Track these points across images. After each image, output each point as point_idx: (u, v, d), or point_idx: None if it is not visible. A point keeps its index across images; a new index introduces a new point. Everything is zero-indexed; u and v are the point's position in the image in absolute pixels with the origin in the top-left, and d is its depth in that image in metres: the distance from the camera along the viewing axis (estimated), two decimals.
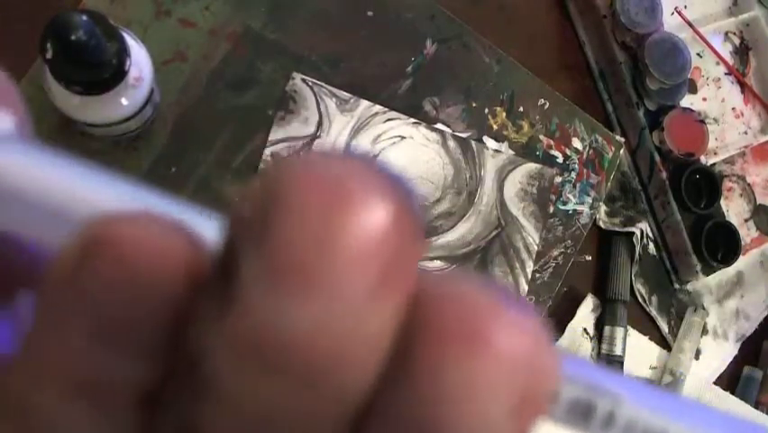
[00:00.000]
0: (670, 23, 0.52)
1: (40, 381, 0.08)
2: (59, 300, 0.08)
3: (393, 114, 0.45)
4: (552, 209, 0.49)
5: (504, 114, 0.48)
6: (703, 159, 0.51)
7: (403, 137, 0.46)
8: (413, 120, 0.46)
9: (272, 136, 0.43)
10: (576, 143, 0.50)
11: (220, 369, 0.07)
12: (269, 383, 0.07)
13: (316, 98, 0.44)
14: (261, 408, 0.07)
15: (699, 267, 0.50)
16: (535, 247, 0.48)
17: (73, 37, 0.31)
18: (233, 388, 0.07)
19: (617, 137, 0.51)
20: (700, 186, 0.51)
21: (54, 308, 0.08)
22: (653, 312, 0.52)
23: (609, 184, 0.51)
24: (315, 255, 0.06)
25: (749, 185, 0.55)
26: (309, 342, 0.06)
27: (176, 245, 0.08)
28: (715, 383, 0.53)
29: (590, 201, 0.50)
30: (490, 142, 0.48)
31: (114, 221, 0.08)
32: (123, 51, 0.34)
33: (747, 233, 0.54)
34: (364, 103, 0.45)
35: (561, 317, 0.49)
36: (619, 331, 0.48)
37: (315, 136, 0.44)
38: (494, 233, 0.47)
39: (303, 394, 0.07)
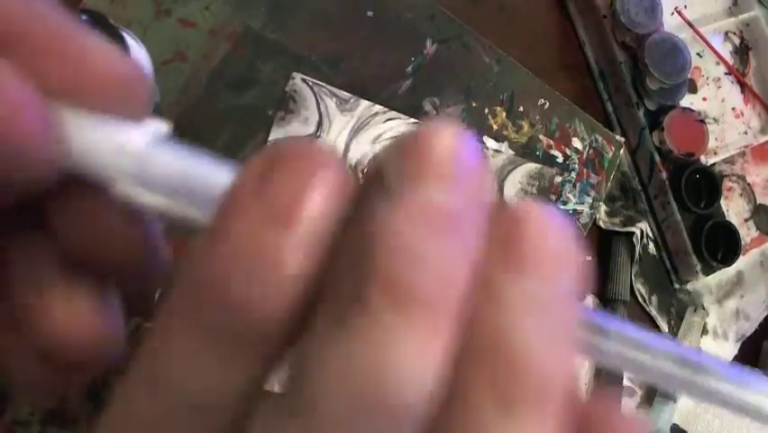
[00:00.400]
0: (670, 22, 0.52)
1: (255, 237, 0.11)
2: (250, 194, 0.11)
3: (393, 114, 0.45)
4: None
5: (504, 114, 0.48)
6: (703, 159, 0.51)
7: None
8: (413, 120, 0.46)
9: (272, 136, 0.43)
10: (576, 143, 0.50)
11: (396, 230, 0.10)
12: (427, 228, 0.10)
13: (316, 98, 0.44)
14: (430, 259, 0.10)
15: (699, 267, 0.50)
16: None
17: None
18: (409, 240, 0.10)
19: (617, 137, 0.51)
20: (700, 186, 0.51)
21: (246, 200, 0.11)
22: (653, 312, 0.52)
23: (609, 184, 0.51)
24: (444, 165, 0.11)
25: (749, 185, 0.55)
26: (457, 209, 0.11)
27: (335, 158, 0.11)
28: None
29: (590, 201, 0.50)
30: (490, 142, 0.48)
31: (290, 143, 0.11)
32: (123, 51, 0.34)
33: (747, 233, 0.54)
34: (364, 103, 0.45)
35: None
36: None
37: (315, 136, 0.44)
38: None
39: (452, 245, 0.10)
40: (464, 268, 0.11)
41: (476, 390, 0.11)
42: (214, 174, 0.13)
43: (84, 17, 0.33)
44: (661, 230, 0.52)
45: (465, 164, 0.11)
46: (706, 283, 0.53)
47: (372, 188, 0.11)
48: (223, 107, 0.42)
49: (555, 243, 0.11)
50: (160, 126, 0.13)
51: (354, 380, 0.10)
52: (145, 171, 0.12)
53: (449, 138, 0.11)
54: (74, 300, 0.13)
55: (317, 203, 0.11)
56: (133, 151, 0.12)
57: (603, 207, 0.50)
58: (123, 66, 0.13)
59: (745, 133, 0.55)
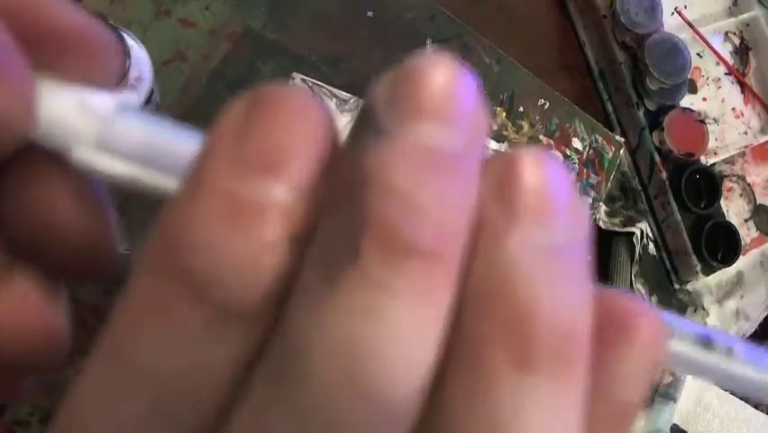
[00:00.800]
0: (670, 23, 0.52)
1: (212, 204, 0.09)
2: (229, 141, 0.10)
3: None
4: None
5: (504, 114, 0.48)
6: (703, 159, 0.51)
7: None
8: None
9: None
10: (576, 143, 0.50)
11: (390, 171, 0.09)
12: (424, 169, 0.09)
13: (316, 98, 0.44)
14: (425, 194, 0.09)
15: (699, 267, 0.50)
16: None
17: None
18: (404, 183, 0.09)
19: (617, 137, 0.51)
20: (700, 186, 0.51)
21: (224, 148, 0.10)
22: None
23: (609, 184, 0.51)
24: (443, 101, 0.10)
25: (749, 185, 0.55)
26: (454, 150, 0.10)
27: (317, 101, 0.10)
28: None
29: (590, 201, 0.50)
30: (490, 143, 0.48)
31: (268, 87, 0.10)
32: (123, 52, 0.34)
33: (747, 233, 0.54)
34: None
35: None
36: None
37: None
38: None
39: (451, 190, 0.10)
40: (464, 216, 0.10)
41: (485, 351, 0.09)
42: (186, 140, 0.11)
43: None
44: (661, 230, 0.52)
45: (462, 102, 0.10)
46: (706, 283, 0.53)
47: (363, 127, 0.10)
48: (223, 107, 0.42)
49: (554, 189, 0.10)
50: (130, 96, 0.12)
51: (342, 352, 0.09)
52: (109, 135, 0.11)
53: (445, 73, 0.10)
54: (14, 290, 0.12)
55: (306, 148, 0.10)
56: (97, 112, 0.11)
57: (603, 208, 0.50)
58: (90, 26, 0.12)
59: (745, 133, 0.55)
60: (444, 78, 0.10)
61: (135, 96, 0.12)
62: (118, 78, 0.12)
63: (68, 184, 0.12)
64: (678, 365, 0.12)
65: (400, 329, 0.09)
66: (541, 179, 0.10)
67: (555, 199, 0.10)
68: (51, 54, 0.11)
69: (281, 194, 0.09)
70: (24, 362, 0.12)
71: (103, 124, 0.11)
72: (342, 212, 0.09)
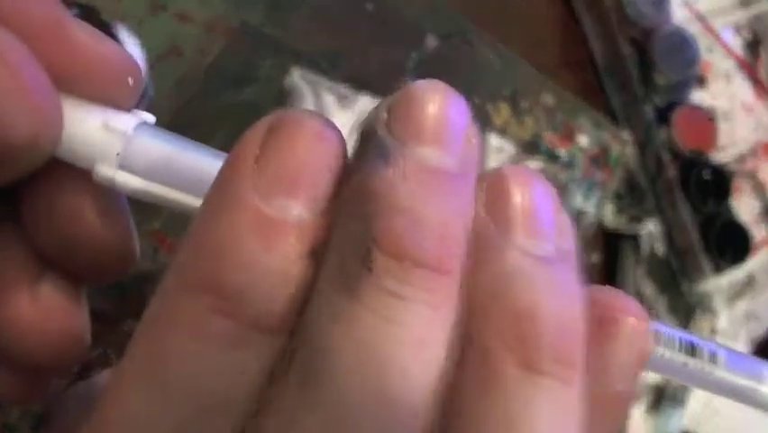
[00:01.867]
0: (678, 16, 0.51)
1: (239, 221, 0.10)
2: (247, 161, 0.10)
3: None
4: None
5: (507, 110, 0.47)
6: (712, 156, 0.50)
7: None
8: None
9: None
10: (581, 140, 0.49)
11: (395, 191, 0.10)
12: (425, 188, 0.10)
13: (316, 94, 0.43)
14: (426, 206, 0.10)
15: (708, 267, 0.49)
16: None
17: None
18: (409, 201, 0.10)
19: (624, 134, 0.50)
20: (709, 184, 0.50)
21: (247, 165, 0.11)
22: (661, 314, 0.51)
23: (615, 182, 0.50)
24: (438, 126, 0.11)
25: (760, 183, 0.54)
26: (452, 170, 0.11)
27: (331, 124, 0.11)
28: None
29: (596, 199, 0.49)
30: (493, 139, 0.47)
31: (286, 113, 0.11)
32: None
33: (758, 231, 0.53)
34: (364, 98, 0.44)
35: None
36: None
37: None
38: None
39: (450, 205, 0.11)
40: (462, 228, 0.11)
41: (493, 356, 0.10)
42: (202, 158, 0.12)
43: (75, 11, 0.32)
44: (669, 229, 0.51)
45: (455, 127, 0.11)
46: (715, 284, 0.52)
47: (367, 149, 0.11)
48: (220, 104, 0.41)
49: (540, 205, 0.11)
50: (148, 116, 0.13)
51: (364, 353, 0.10)
52: (130, 153, 0.12)
53: (439, 100, 0.11)
54: (43, 296, 0.13)
55: (322, 168, 0.11)
56: (119, 131, 0.12)
57: (609, 206, 0.50)
58: (112, 52, 0.13)
59: (756, 129, 0.54)
60: (438, 105, 0.11)
61: (153, 116, 0.13)
62: (138, 99, 0.13)
63: (92, 197, 0.13)
64: (663, 370, 0.13)
65: (413, 332, 0.10)
66: (528, 198, 0.11)
67: (542, 215, 0.11)
68: (76, 78, 0.12)
69: (302, 212, 0.10)
70: (50, 363, 0.13)
71: (124, 142, 0.12)
72: (353, 227, 0.10)
